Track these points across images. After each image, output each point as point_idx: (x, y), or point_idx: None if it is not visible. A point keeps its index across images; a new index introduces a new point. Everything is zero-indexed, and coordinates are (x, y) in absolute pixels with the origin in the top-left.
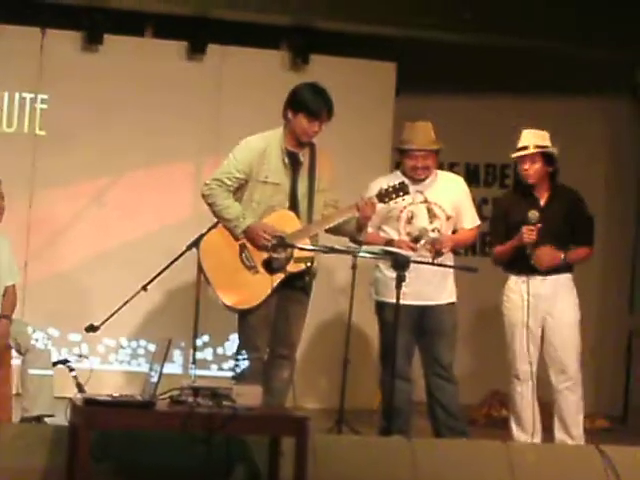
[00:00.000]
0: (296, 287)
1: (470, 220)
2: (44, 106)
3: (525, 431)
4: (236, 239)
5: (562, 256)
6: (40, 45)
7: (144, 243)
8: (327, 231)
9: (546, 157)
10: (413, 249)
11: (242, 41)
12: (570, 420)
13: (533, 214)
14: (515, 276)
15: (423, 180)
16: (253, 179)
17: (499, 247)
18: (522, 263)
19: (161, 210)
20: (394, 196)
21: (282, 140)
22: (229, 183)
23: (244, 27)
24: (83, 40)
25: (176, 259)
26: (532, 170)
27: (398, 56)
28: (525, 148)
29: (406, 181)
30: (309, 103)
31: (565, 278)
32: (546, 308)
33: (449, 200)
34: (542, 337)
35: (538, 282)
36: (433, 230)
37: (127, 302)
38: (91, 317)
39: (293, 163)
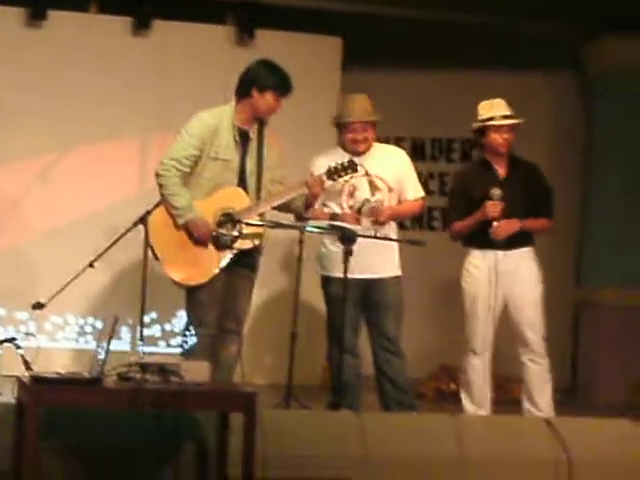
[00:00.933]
0: (243, 264)
1: (413, 191)
2: None
3: (476, 404)
4: (176, 226)
5: (518, 224)
6: None
7: (90, 219)
8: (274, 208)
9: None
10: (358, 220)
11: (187, 16)
12: (535, 392)
13: (495, 191)
14: (476, 250)
15: (363, 153)
16: (204, 155)
17: (459, 222)
18: (483, 238)
19: (107, 186)
20: (343, 174)
21: (233, 117)
22: (186, 163)
23: (189, 2)
24: (27, 16)
25: (122, 235)
26: (510, 139)
27: (344, 31)
28: (509, 117)
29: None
30: (280, 81)
31: (527, 251)
32: (508, 282)
33: (390, 172)
34: (504, 311)
35: (500, 257)
36: (375, 202)
37: (74, 279)
38: (38, 294)
39: (243, 140)
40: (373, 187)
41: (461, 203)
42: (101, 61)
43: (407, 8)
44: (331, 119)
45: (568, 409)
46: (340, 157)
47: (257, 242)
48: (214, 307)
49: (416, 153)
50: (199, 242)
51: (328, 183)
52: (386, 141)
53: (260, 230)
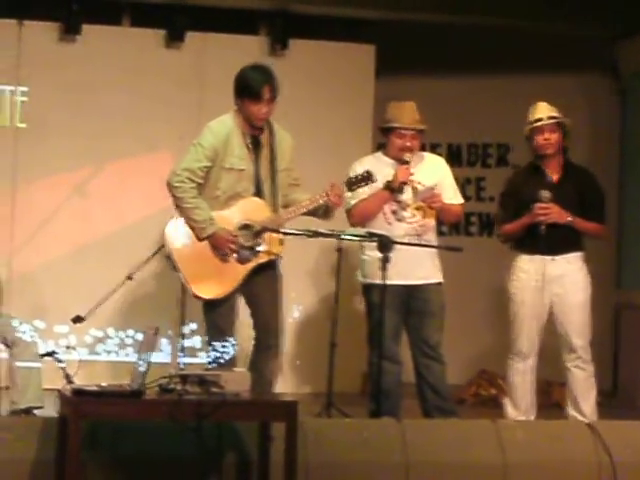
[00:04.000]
0: (266, 274)
1: (452, 196)
2: (24, 98)
3: (518, 409)
4: (198, 239)
5: (569, 216)
6: (18, 37)
7: (128, 232)
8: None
9: (561, 130)
10: (410, 172)
11: (220, 27)
12: (580, 397)
13: (545, 193)
14: (525, 255)
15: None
16: (217, 166)
17: (508, 225)
18: (532, 242)
19: (144, 199)
20: (362, 184)
21: (239, 125)
22: (200, 174)
23: (222, 13)
24: (61, 30)
25: (160, 248)
26: (553, 139)
27: (377, 38)
28: (541, 119)
29: (391, 163)
30: (248, 85)
31: (575, 257)
32: (556, 288)
33: (432, 179)
34: (551, 316)
35: (548, 262)
36: (417, 209)
37: (113, 292)
38: (77, 308)
39: (255, 146)
40: (414, 192)
41: (511, 205)
42: (135, 74)
43: (439, 14)
44: (374, 126)
45: (609, 412)
46: (384, 163)
47: (279, 251)
48: (233, 317)
49: (452, 159)
50: (224, 255)
51: (347, 194)
52: (422, 148)
53: (281, 239)
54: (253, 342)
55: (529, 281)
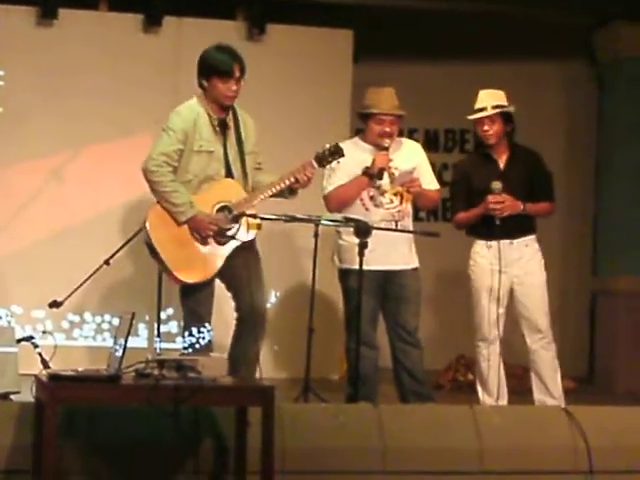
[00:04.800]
0: (246, 256)
1: (430, 181)
2: (0, 82)
3: (491, 394)
4: (177, 224)
5: (522, 206)
6: None
7: (105, 217)
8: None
9: (504, 116)
10: (389, 159)
11: (198, 12)
12: (548, 379)
13: (496, 185)
14: (481, 240)
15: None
16: (187, 149)
17: (462, 214)
18: (487, 228)
19: (120, 183)
20: (330, 159)
21: (206, 108)
22: (175, 157)
23: None
24: (38, 15)
25: (137, 232)
26: (492, 130)
27: (355, 23)
28: (483, 109)
29: (368, 146)
30: (217, 63)
31: (530, 240)
32: (514, 271)
33: (409, 164)
34: (511, 300)
35: (505, 246)
36: (395, 194)
37: (90, 277)
38: (54, 293)
39: (222, 129)
40: (392, 179)
41: (462, 192)
42: (112, 59)
43: None
44: (352, 111)
45: (586, 398)
46: (361, 149)
47: (256, 232)
48: (209, 302)
49: (430, 144)
50: (204, 238)
51: (324, 182)
52: (400, 133)
53: (258, 221)
54: (235, 322)
55: (487, 265)
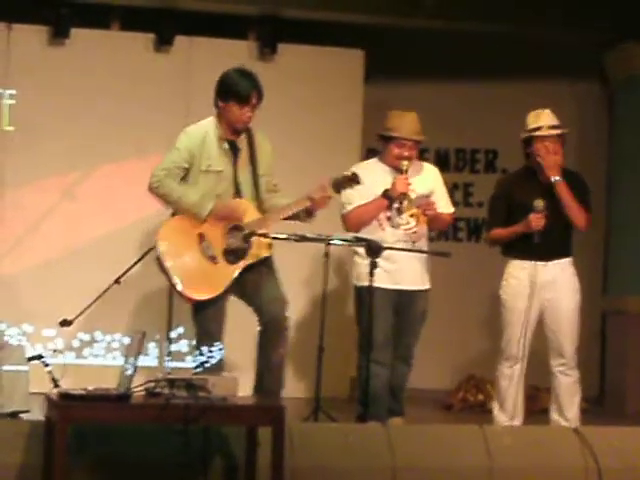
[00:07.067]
0: (258, 270)
1: (445, 204)
2: (12, 101)
3: (507, 413)
4: (202, 221)
5: (557, 177)
6: (7, 40)
7: (116, 237)
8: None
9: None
10: (408, 183)
11: (209, 32)
12: (564, 402)
13: (538, 203)
14: (516, 261)
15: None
16: (195, 169)
17: (498, 230)
18: (523, 247)
19: (132, 203)
20: (347, 186)
21: (218, 128)
22: (177, 172)
23: (211, 18)
24: (49, 34)
25: (147, 252)
26: (556, 149)
27: (366, 43)
28: (555, 127)
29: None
30: (237, 88)
31: (566, 262)
32: (546, 294)
33: (426, 188)
34: (540, 321)
35: (540, 268)
36: (412, 215)
37: (100, 296)
38: (65, 312)
39: (233, 150)
40: (411, 200)
41: (502, 209)
42: (124, 78)
43: (428, 19)
44: (363, 131)
45: (596, 418)
46: (381, 170)
47: (267, 254)
48: (221, 320)
49: (440, 164)
50: (234, 220)
51: (343, 199)
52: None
53: (269, 241)
54: (259, 329)
55: (520, 287)
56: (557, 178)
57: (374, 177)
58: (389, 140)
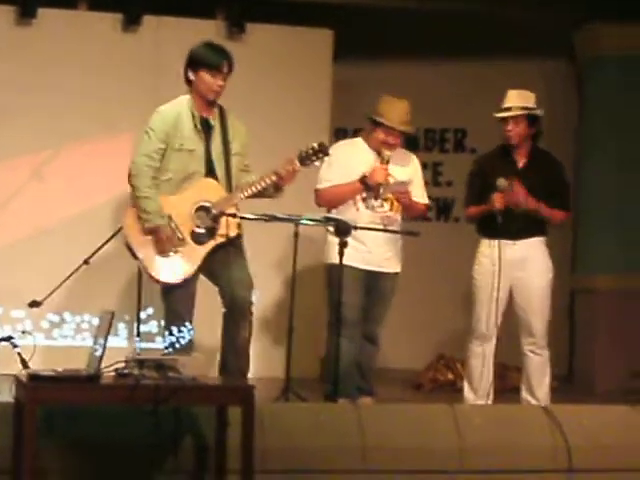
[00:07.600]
0: (227, 250)
1: (420, 194)
2: None
3: (477, 392)
4: (143, 230)
5: (530, 203)
6: None
7: (85, 216)
8: (248, 197)
9: (530, 118)
10: (387, 174)
11: (177, 11)
12: (535, 381)
13: (501, 182)
14: (485, 239)
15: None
16: (169, 148)
17: (473, 208)
18: (491, 227)
19: (101, 183)
20: (314, 158)
21: (191, 106)
22: (156, 157)
23: None
24: (17, 14)
25: (116, 232)
26: (515, 131)
27: (335, 23)
28: (509, 109)
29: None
30: (208, 57)
31: (536, 241)
32: (515, 273)
33: (404, 175)
34: (510, 300)
35: (508, 247)
36: (386, 199)
37: (69, 276)
38: (34, 293)
39: (205, 128)
40: (387, 185)
41: (476, 186)
42: (92, 58)
43: None
44: (332, 111)
45: (565, 396)
46: (362, 150)
47: (236, 233)
48: (190, 301)
49: (409, 144)
50: (162, 251)
51: (321, 175)
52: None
53: (237, 220)
54: (223, 311)
55: (489, 266)
56: (533, 207)
57: (357, 156)
58: (377, 124)
